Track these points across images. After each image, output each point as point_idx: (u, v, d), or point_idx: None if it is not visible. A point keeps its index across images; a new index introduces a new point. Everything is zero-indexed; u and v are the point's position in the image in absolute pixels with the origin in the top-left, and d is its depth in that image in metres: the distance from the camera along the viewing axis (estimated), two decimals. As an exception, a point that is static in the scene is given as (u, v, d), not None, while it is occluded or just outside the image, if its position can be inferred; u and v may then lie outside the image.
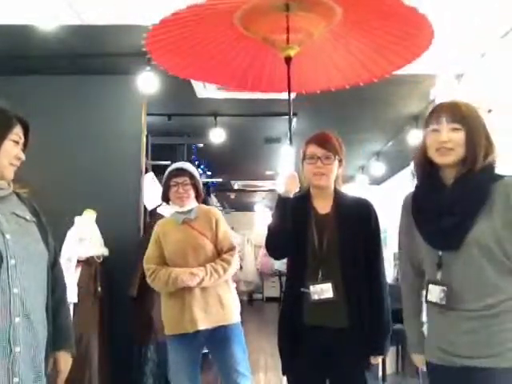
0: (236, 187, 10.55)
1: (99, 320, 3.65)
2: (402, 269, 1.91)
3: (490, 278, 1.59)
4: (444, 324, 1.68)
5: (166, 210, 4.32)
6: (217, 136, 5.67)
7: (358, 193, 2.84)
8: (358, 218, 2.17)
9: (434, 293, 1.67)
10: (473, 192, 1.62)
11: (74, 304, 3.50)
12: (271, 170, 8.67)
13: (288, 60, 2.18)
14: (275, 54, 2.27)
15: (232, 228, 5.29)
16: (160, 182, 4.54)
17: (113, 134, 4.20)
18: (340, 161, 2.22)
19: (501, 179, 1.63)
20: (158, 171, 4.86)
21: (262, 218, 12.44)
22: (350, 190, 2.59)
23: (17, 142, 1.67)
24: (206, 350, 2.94)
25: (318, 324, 2.09)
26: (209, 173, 7.42)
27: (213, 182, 8.18)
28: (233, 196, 11.50)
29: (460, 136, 1.64)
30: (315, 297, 2.08)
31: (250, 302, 12.03)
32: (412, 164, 1.82)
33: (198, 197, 2.87)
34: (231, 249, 2.84)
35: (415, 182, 1.80)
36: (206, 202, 4.01)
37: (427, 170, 1.73)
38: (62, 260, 3.43)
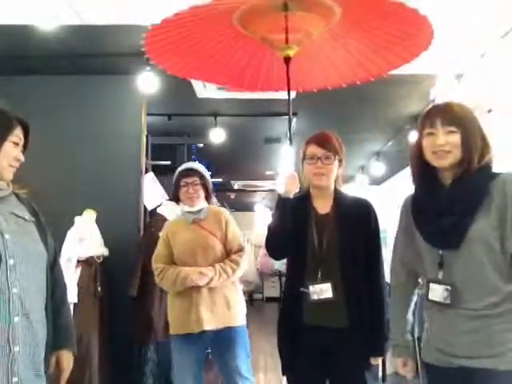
0: (236, 187, 10.55)
1: (99, 320, 3.65)
2: (394, 267, 1.92)
3: (490, 277, 1.60)
4: (443, 324, 1.68)
5: (166, 210, 4.33)
6: (217, 136, 5.67)
7: (358, 193, 2.84)
8: (357, 219, 2.17)
9: (437, 292, 1.67)
10: (471, 191, 1.63)
11: (74, 304, 3.50)
12: (271, 170, 8.67)
13: (287, 60, 2.18)
14: (273, 52, 2.27)
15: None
16: (160, 182, 4.57)
17: (113, 133, 4.20)
18: (340, 161, 2.22)
19: (498, 176, 1.64)
20: (158, 171, 4.87)
21: (262, 218, 12.44)
22: (350, 190, 2.59)
23: (17, 144, 1.67)
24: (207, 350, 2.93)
25: (317, 324, 2.09)
26: (209, 173, 7.41)
27: (213, 182, 8.18)
28: (233, 196, 11.50)
29: (456, 138, 1.64)
30: (314, 297, 2.08)
31: (251, 302, 12.04)
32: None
33: (207, 197, 2.88)
34: (240, 250, 2.84)
35: (413, 183, 1.81)
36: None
37: (424, 171, 1.74)
38: (62, 260, 3.43)
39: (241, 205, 12.44)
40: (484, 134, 1.68)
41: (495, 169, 1.69)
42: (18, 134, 1.67)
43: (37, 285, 1.65)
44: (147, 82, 4.00)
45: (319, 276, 2.10)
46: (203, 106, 5.24)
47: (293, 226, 2.12)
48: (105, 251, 3.82)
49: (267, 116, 5.52)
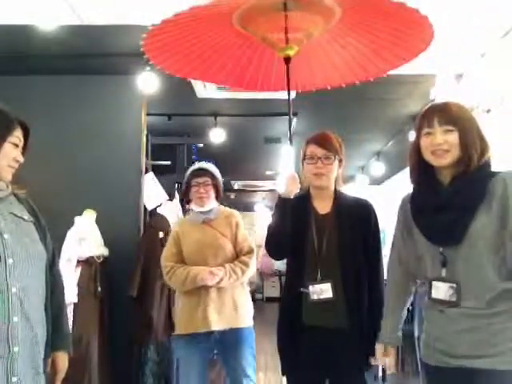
0: (236, 187, 10.55)
1: (99, 320, 3.65)
2: (391, 266, 1.94)
3: (489, 275, 1.60)
4: (443, 324, 1.68)
5: (166, 210, 4.33)
6: (217, 136, 5.67)
7: (358, 193, 2.84)
8: (357, 219, 2.17)
9: (441, 290, 1.67)
10: (471, 187, 1.63)
11: (74, 304, 3.50)
12: (271, 170, 8.67)
13: (287, 60, 2.18)
14: (273, 52, 2.26)
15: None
16: (160, 182, 4.57)
17: (113, 133, 4.20)
18: (340, 161, 2.22)
19: (497, 175, 1.64)
20: (158, 171, 4.87)
21: (262, 218, 12.44)
22: (350, 190, 2.58)
23: (16, 145, 1.68)
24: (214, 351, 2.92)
25: (317, 324, 2.09)
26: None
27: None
28: (233, 196, 11.49)
29: (454, 137, 1.65)
30: (314, 297, 2.08)
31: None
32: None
33: (217, 197, 2.87)
34: (250, 251, 2.84)
35: (412, 183, 1.81)
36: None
37: (423, 171, 1.74)
38: (62, 260, 3.44)
39: (241, 205, 12.44)
40: (482, 133, 1.68)
41: (495, 168, 1.69)
42: (17, 135, 1.68)
43: (36, 284, 1.65)
44: (147, 82, 4.00)
45: (319, 276, 2.10)
46: (203, 106, 5.24)
47: (293, 226, 2.11)
48: (105, 251, 3.82)
49: (267, 116, 5.52)
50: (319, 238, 2.14)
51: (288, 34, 2.09)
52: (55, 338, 1.74)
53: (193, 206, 2.86)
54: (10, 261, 1.55)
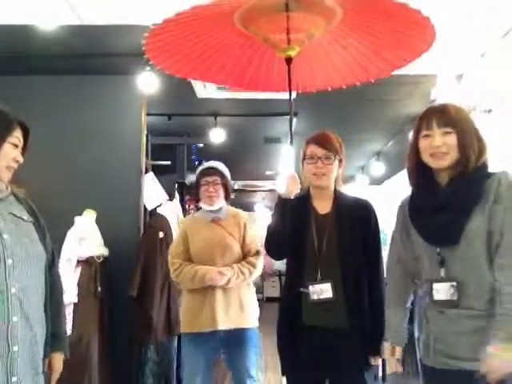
0: (236, 187, 10.54)
1: (99, 320, 3.65)
2: (390, 266, 1.96)
3: (486, 274, 1.60)
4: (444, 325, 1.67)
5: (166, 210, 4.33)
6: (217, 136, 5.66)
7: (358, 193, 2.84)
8: (357, 219, 2.17)
9: (442, 291, 1.67)
10: (468, 188, 1.64)
11: (74, 304, 3.50)
12: (271, 170, 8.67)
13: (288, 61, 2.18)
14: (273, 52, 2.26)
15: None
16: (160, 182, 4.57)
17: (113, 133, 4.19)
18: (340, 161, 2.22)
19: (493, 175, 1.65)
20: (158, 171, 4.87)
21: (262, 218, 12.44)
22: (350, 190, 2.58)
23: (16, 145, 1.68)
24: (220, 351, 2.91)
25: (317, 324, 2.09)
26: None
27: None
28: (233, 196, 11.48)
29: (452, 139, 1.66)
30: (314, 297, 2.08)
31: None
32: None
33: (227, 197, 2.88)
34: (257, 253, 2.84)
35: (410, 184, 1.82)
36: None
37: (421, 172, 1.75)
38: (62, 260, 3.44)
39: (241, 205, 12.43)
40: (480, 134, 1.69)
41: (495, 168, 1.69)
42: (17, 136, 1.68)
43: (36, 284, 1.66)
44: (147, 82, 4.00)
45: (319, 276, 2.10)
46: (203, 106, 5.23)
47: (293, 226, 2.11)
48: (105, 251, 3.81)
49: (267, 116, 5.51)
50: (319, 238, 2.14)
51: (290, 34, 2.08)
52: (52, 340, 1.74)
53: (202, 205, 2.86)
54: (9, 261, 1.56)
